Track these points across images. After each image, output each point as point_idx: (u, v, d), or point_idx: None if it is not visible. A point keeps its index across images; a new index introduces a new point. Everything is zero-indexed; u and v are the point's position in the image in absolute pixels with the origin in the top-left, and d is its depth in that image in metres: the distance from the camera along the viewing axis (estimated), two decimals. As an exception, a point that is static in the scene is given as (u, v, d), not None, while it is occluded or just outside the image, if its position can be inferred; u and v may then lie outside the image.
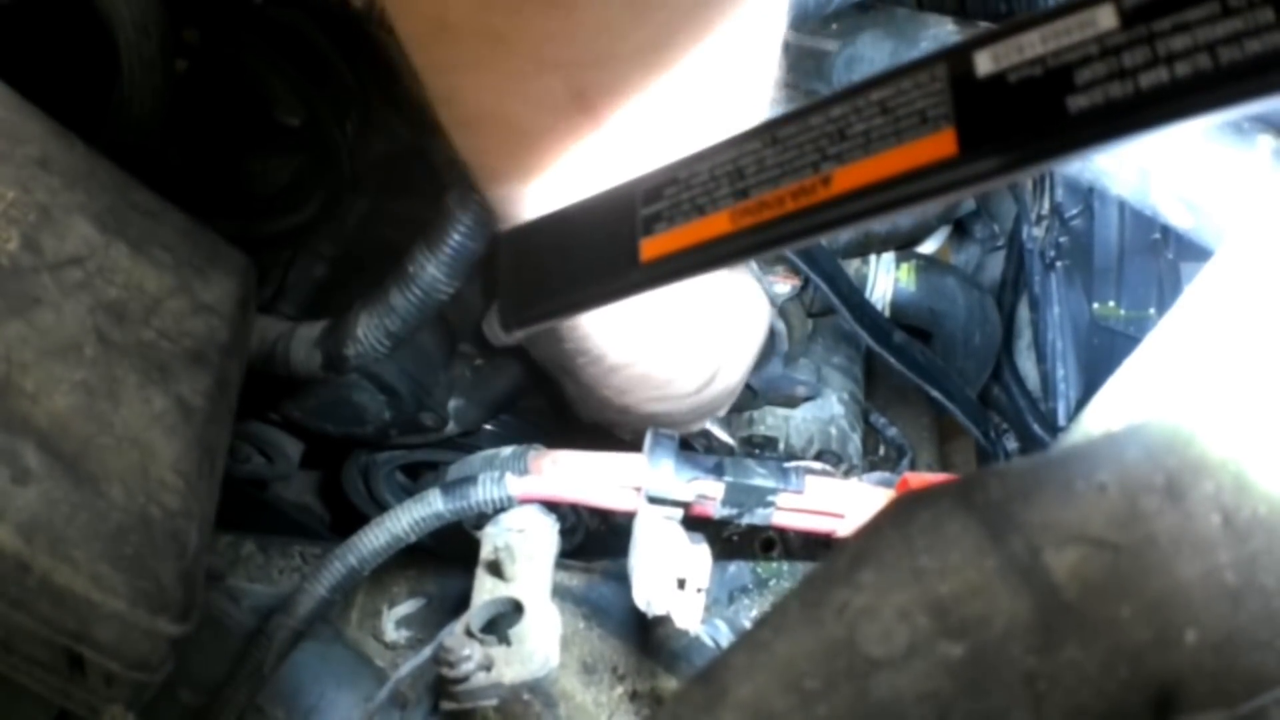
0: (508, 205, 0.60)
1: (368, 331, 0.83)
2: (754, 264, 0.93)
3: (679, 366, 0.78)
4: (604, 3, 0.46)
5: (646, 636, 0.85)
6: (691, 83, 0.52)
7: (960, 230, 1.20)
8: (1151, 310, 0.93)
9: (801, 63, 0.93)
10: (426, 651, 0.77)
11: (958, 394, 0.99)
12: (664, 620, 0.72)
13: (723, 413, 0.93)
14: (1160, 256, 0.93)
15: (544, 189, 0.56)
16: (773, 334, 0.94)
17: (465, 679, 0.72)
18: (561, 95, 0.51)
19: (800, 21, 0.86)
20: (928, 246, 1.14)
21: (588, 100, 0.51)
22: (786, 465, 0.77)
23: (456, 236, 0.77)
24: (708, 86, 0.53)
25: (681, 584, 0.72)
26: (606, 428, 0.93)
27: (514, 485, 0.77)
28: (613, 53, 0.49)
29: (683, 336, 0.76)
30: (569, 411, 0.96)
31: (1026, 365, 1.07)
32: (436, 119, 0.56)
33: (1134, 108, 0.27)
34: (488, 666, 0.72)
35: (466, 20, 0.47)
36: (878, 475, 0.81)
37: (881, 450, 1.09)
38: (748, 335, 0.87)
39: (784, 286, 0.96)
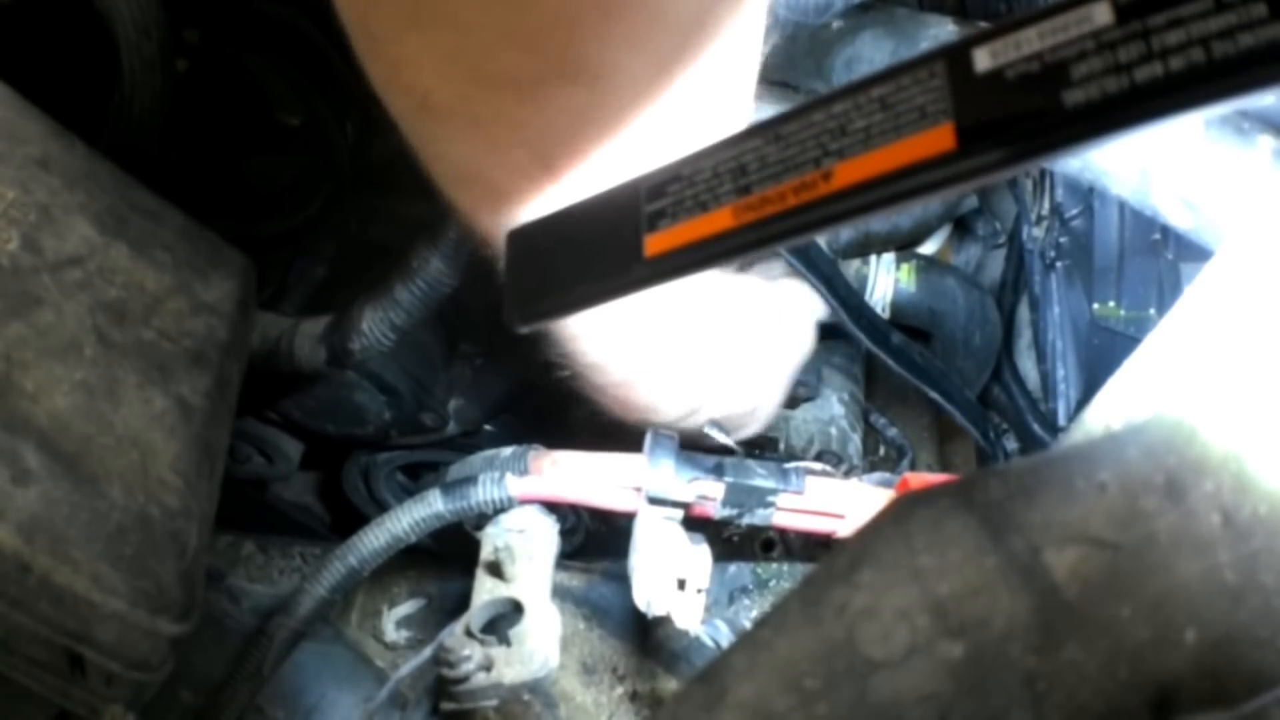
0: (488, 238, 0.64)
1: (372, 325, 0.83)
2: (809, 306, 0.92)
3: (660, 396, 0.78)
4: (570, 95, 0.50)
5: (647, 637, 0.85)
6: (655, 148, 0.55)
7: (961, 229, 1.20)
8: (1151, 310, 0.93)
9: (801, 63, 0.93)
10: (426, 652, 0.77)
11: (957, 395, 0.99)
12: (664, 621, 0.72)
13: (755, 429, 0.92)
14: (1160, 257, 0.93)
15: (508, 224, 0.60)
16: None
17: (465, 679, 0.72)
18: (531, 164, 0.55)
19: (801, 23, 0.86)
20: (928, 247, 1.14)
21: (554, 168, 0.55)
22: (786, 466, 0.77)
23: (460, 229, 0.77)
24: (672, 147, 0.55)
25: (682, 584, 0.72)
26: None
27: (514, 486, 0.76)
28: (577, 130, 0.53)
29: (663, 366, 0.76)
30: (569, 411, 0.96)
31: (1026, 365, 1.07)
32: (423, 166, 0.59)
33: (1129, 102, 0.27)
34: (488, 667, 0.72)
35: (446, 104, 0.52)
36: (878, 475, 0.81)
37: (881, 450, 1.09)
38: (747, 371, 0.86)
39: (784, 287, 0.96)
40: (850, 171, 0.32)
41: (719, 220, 0.35)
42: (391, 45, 0.51)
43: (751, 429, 0.89)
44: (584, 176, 0.55)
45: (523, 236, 0.43)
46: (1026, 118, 0.29)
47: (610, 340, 0.71)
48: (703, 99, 0.55)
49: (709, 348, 0.78)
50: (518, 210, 0.58)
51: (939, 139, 0.30)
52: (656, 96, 0.53)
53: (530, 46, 0.48)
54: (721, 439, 0.81)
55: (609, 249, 0.38)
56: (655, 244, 0.37)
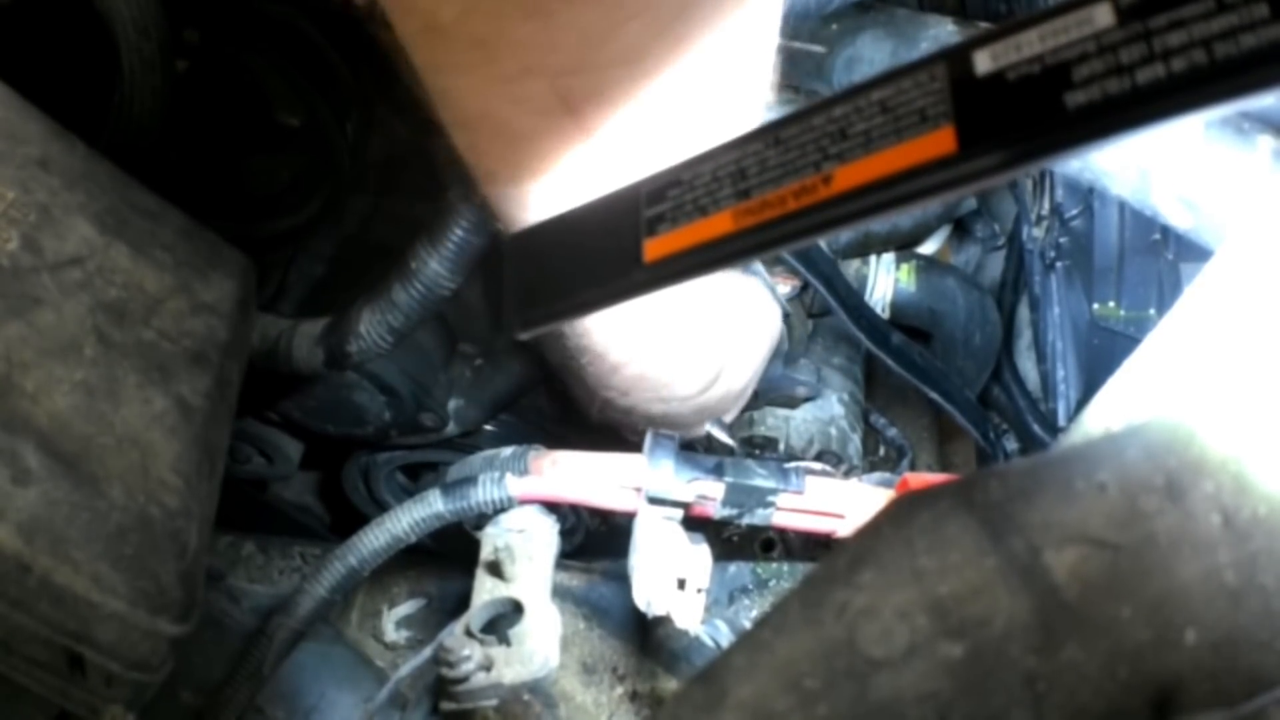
0: (505, 205, 0.62)
1: (370, 327, 0.83)
2: (764, 272, 0.93)
3: (679, 368, 0.78)
4: (579, 13, 0.48)
5: (647, 637, 0.85)
6: (680, 90, 0.54)
7: (961, 230, 1.20)
8: (1151, 310, 0.93)
9: (802, 63, 0.93)
10: (426, 652, 0.77)
11: (956, 395, 0.99)
12: (664, 620, 0.72)
13: (730, 417, 0.93)
14: (1160, 257, 0.93)
15: (538, 191, 0.58)
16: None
17: (465, 679, 0.72)
18: (547, 99, 0.53)
19: (801, 21, 0.86)
20: (928, 247, 1.14)
21: (573, 105, 0.53)
22: (787, 466, 0.77)
23: (459, 231, 0.77)
24: (697, 93, 0.54)
25: (681, 584, 0.72)
26: (614, 428, 0.93)
27: (514, 486, 0.77)
28: (592, 60, 0.51)
29: (683, 339, 0.77)
30: (570, 412, 0.96)
31: (1026, 365, 1.07)
32: (437, 117, 0.57)
33: (1131, 104, 0.27)
34: (488, 667, 0.72)
35: (455, 24, 0.50)
36: (878, 476, 0.81)
37: (881, 450, 1.09)
38: (753, 341, 0.87)
39: (784, 288, 0.97)
40: (851, 175, 0.32)
41: (719, 224, 0.35)
42: None
43: (734, 411, 0.90)
44: (611, 124, 0.54)
45: (521, 242, 0.43)
46: (1028, 120, 0.29)
47: (618, 323, 0.71)
48: (726, 50, 0.54)
49: (711, 317, 0.78)
50: (536, 161, 0.56)
51: (940, 142, 0.30)
52: (670, 30, 0.51)
53: None
54: (722, 438, 0.81)
55: (608, 254, 0.38)
56: (655, 248, 0.37)
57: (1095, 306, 0.96)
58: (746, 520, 0.77)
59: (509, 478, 0.77)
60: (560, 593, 0.84)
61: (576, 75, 0.52)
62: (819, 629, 0.37)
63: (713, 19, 0.52)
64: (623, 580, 0.76)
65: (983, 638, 0.35)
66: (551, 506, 0.79)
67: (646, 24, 0.50)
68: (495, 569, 0.76)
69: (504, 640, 0.73)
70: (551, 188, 0.57)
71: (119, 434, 0.63)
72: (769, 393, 0.99)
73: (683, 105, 0.54)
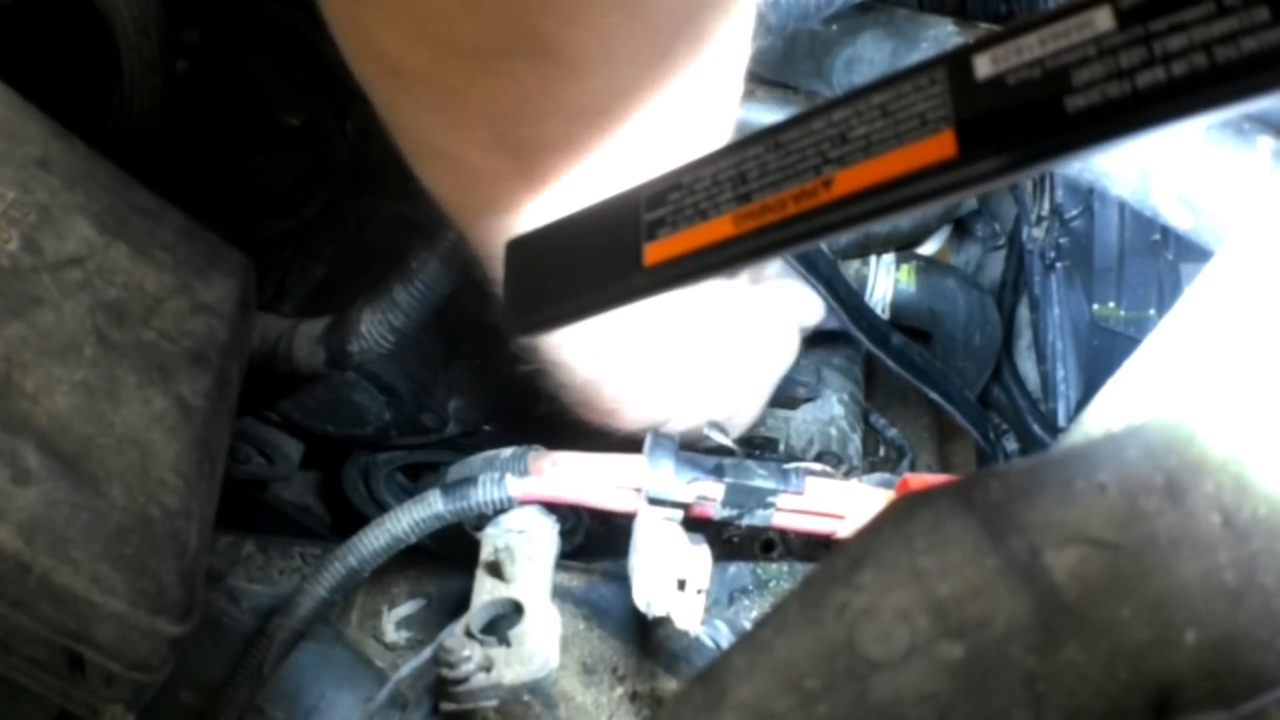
0: (466, 233, 0.64)
1: (371, 327, 0.83)
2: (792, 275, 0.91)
3: (622, 401, 0.77)
4: (543, 72, 0.50)
5: (647, 637, 0.85)
6: (636, 144, 0.55)
7: (961, 230, 1.20)
8: (1151, 311, 0.93)
9: (801, 63, 0.93)
10: (426, 652, 0.77)
11: (956, 395, 0.99)
12: (664, 621, 0.72)
13: (735, 434, 0.91)
14: (1160, 257, 0.93)
15: (489, 224, 0.60)
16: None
17: (465, 680, 0.72)
18: (502, 145, 0.55)
19: (801, 22, 0.86)
20: (928, 247, 1.14)
21: (525, 155, 0.55)
22: (786, 466, 0.77)
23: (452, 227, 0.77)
24: (655, 147, 0.55)
25: (681, 585, 0.72)
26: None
27: (514, 486, 0.77)
28: (544, 114, 0.53)
29: (630, 375, 0.76)
30: (547, 407, 0.96)
31: (1026, 366, 1.07)
32: (394, 141, 0.59)
33: (1131, 107, 0.27)
34: (488, 667, 0.72)
35: (412, 71, 0.52)
36: (878, 476, 0.81)
37: (881, 451, 1.09)
38: (720, 379, 0.84)
39: (784, 287, 0.96)
40: (850, 179, 0.32)
41: (719, 228, 0.35)
42: (364, 8, 0.50)
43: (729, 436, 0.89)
44: (547, 165, 0.55)
45: (521, 245, 0.43)
46: (1028, 124, 0.29)
47: (579, 340, 0.71)
48: (678, 101, 0.55)
49: (683, 354, 0.78)
50: (486, 199, 0.57)
51: (940, 146, 0.30)
52: (625, 88, 0.52)
53: (490, 15, 0.48)
54: (721, 439, 0.81)
55: (608, 257, 0.38)
56: (655, 252, 0.37)
57: (1095, 307, 0.95)
58: (746, 521, 0.77)
59: (509, 478, 0.77)
60: (560, 593, 0.84)
61: (529, 127, 0.54)
62: (819, 629, 0.37)
63: (672, 79, 0.53)
64: (623, 580, 0.76)
65: (983, 638, 0.36)
66: (551, 507, 0.79)
67: (602, 84, 0.52)
68: (495, 569, 0.76)
69: (504, 641, 0.73)
70: (501, 224, 0.59)
71: (119, 434, 0.63)
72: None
73: (638, 158, 0.55)
